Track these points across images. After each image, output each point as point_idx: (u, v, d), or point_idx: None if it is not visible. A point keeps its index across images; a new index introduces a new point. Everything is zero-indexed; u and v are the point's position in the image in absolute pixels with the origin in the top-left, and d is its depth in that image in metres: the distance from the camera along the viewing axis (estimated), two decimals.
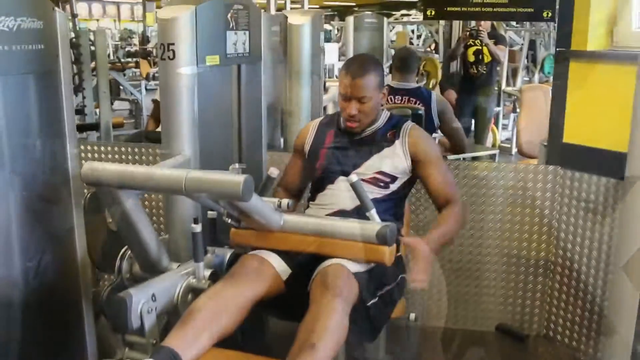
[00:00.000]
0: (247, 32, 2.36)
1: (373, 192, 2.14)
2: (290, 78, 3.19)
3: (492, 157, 5.06)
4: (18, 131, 1.91)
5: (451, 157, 3.52)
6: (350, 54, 6.49)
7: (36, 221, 1.98)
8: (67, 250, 2.16)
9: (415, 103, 3.42)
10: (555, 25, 2.90)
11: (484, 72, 5.27)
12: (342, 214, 2.06)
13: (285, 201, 1.81)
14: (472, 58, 5.29)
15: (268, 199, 1.83)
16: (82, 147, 3.28)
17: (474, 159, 3.94)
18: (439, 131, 3.61)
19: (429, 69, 5.99)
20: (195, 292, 1.77)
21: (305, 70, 3.17)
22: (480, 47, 5.21)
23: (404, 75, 3.52)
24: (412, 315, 2.35)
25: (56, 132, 2.10)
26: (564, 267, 2.76)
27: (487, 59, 5.24)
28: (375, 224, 1.78)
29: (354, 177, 1.83)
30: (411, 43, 8.04)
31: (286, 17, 3.24)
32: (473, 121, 5.40)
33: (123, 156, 3.07)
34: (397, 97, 3.45)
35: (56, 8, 2.07)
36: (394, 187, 2.17)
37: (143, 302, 1.65)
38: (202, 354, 1.60)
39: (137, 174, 1.69)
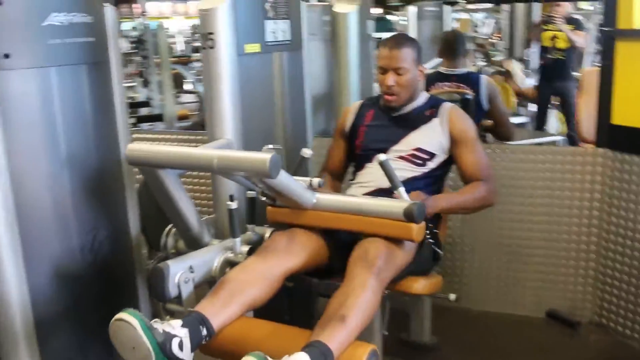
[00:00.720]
0: (287, 21, 2.44)
1: (411, 170, 2.18)
2: (337, 66, 3.24)
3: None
4: (73, 116, 2.07)
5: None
6: None
7: (90, 200, 2.13)
8: (121, 228, 2.32)
9: (464, 88, 3.39)
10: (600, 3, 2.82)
11: (562, 57, 5.17)
12: (380, 192, 2.11)
13: (316, 180, 1.88)
14: (548, 43, 5.22)
15: (300, 178, 1.90)
16: (143, 135, 3.50)
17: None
18: None
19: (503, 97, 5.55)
20: (232, 265, 1.87)
21: (352, 58, 3.20)
22: (555, 33, 5.12)
23: (451, 61, 3.50)
24: (453, 296, 2.36)
25: (108, 117, 2.26)
26: (615, 252, 2.70)
27: (564, 44, 5.13)
28: (403, 201, 1.82)
29: (382, 156, 1.87)
30: (475, 31, 7.89)
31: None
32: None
33: (177, 143, 3.24)
34: (445, 82, 3.44)
35: (105, 4, 2.22)
36: (431, 164, 2.20)
37: (180, 272, 1.76)
38: (230, 321, 1.67)
39: (173, 154, 1.80)
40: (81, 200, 2.10)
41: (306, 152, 1.98)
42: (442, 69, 3.53)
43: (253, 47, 2.28)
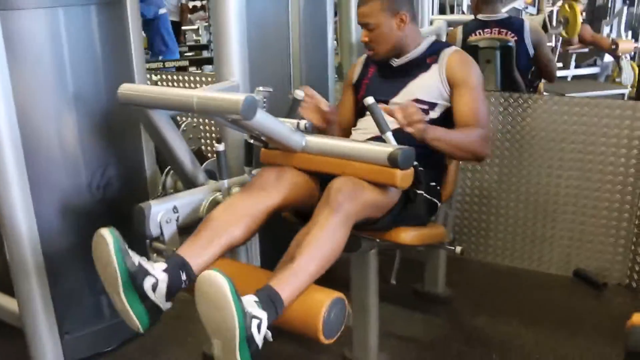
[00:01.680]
0: None
1: None
2: None
3: (621, 97, 4.65)
4: (81, 56, 2.13)
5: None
6: None
7: (99, 138, 2.21)
8: (133, 165, 2.40)
9: (505, 34, 3.22)
10: None
11: None
12: (378, 138, 2.05)
13: (303, 122, 1.85)
14: None
15: (287, 120, 1.88)
16: (171, 77, 3.59)
17: None
18: None
19: (569, 16, 5.03)
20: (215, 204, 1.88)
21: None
22: None
23: (489, 5, 3.30)
24: (459, 248, 2.30)
25: (121, 58, 2.31)
26: None
27: None
28: (389, 146, 1.77)
29: (369, 99, 1.81)
30: None
31: None
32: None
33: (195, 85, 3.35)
34: (485, 30, 3.26)
35: None
36: (433, 114, 2.12)
37: (162, 212, 1.79)
38: (211, 262, 1.65)
39: (157, 93, 1.82)
40: (89, 138, 2.18)
41: (298, 93, 1.94)
42: (480, 16, 3.34)
43: None
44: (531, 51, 3.22)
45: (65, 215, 2.19)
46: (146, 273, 1.49)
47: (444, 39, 3.37)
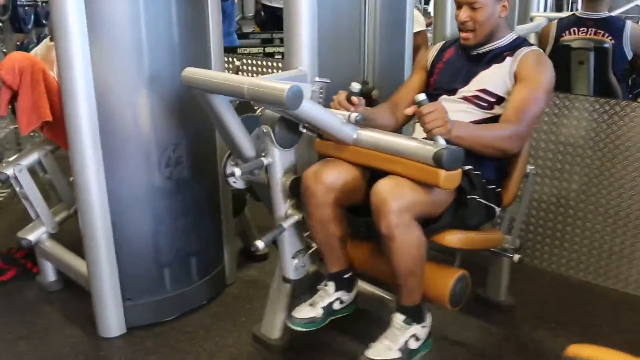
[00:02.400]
0: None
1: (472, 113, 2.06)
2: None
3: None
4: (159, 39, 2.24)
5: None
6: None
7: (171, 118, 2.32)
8: (203, 147, 2.50)
9: (603, 35, 3.02)
10: None
11: None
12: None
13: (353, 115, 1.85)
14: None
15: (339, 112, 1.89)
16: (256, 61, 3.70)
17: None
18: None
19: None
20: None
21: None
22: None
23: (591, 3, 3.09)
24: (517, 257, 2.22)
25: (199, 42, 2.41)
26: None
27: None
28: (436, 145, 1.73)
29: (420, 95, 1.77)
30: None
31: None
32: None
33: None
34: (581, 29, 3.07)
35: None
36: (499, 110, 2.04)
37: (295, 265, 2.15)
38: (346, 255, 2.05)
39: (214, 78, 1.88)
40: (161, 118, 2.30)
41: (355, 86, 1.94)
42: (579, 12, 3.15)
43: None
44: (629, 54, 3.01)
45: (136, 189, 2.32)
46: (329, 304, 2.01)
47: None
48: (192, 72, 1.94)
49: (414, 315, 1.88)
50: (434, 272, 1.92)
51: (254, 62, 3.75)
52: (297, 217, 2.06)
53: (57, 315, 2.58)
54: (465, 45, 2.14)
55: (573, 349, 0.84)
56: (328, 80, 2.03)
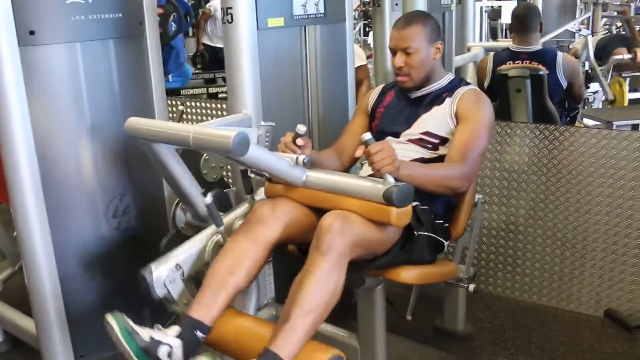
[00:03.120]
0: None
1: (420, 152, 2.09)
2: None
3: None
4: (98, 88, 2.20)
5: None
6: None
7: (115, 168, 2.27)
8: (150, 194, 2.45)
9: (538, 66, 3.14)
10: None
11: None
12: None
13: (301, 157, 1.85)
14: None
15: (286, 155, 1.88)
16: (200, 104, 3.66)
17: None
18: None
19: (616, 93, 4.62)
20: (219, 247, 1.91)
21: None
22: None
23: (522, 37, 3.22)
24: (472, 287, 2.25)
25: (140, 89, 2.38)
26: None
27: None
28: (386, 183, 1.74)
29: (366, 135, 1.79)
30: None
31: None
32: None
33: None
34: (516, 61, 3.19)
35: None
36: (443, 150, 2.08)
37: (165, 274, 1.85)
38: (222, 312, 1.74)
39: (157, 127, 1.85)
40: (105, 168, 2.25)
41: (300, 128, 1.94)
42: (512, 46, 3.27)
43: (277, 21, 2.28)
44: (564, 83, 3.13)
45: (82, 243, 2.25)
46: (159, 343, 1.61)
47: None
48: (136, 122, 1.92)
49: None
50: (305, 350, 1.61)
51: (198, 104, 3.73)
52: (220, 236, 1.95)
53: None
54: (404, 88, 2.18)
55: None
56: (273, 124, 2.03)
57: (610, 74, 4.87)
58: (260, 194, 2.06)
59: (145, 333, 1.62)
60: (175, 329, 1.68)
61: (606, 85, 4.60)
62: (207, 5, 6.81)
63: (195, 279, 1.96)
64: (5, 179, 2.10)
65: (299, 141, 1.91)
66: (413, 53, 2.08)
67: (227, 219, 2.00)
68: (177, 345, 1.63)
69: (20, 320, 2.45)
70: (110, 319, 1.64)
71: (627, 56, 4.91)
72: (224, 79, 6.11)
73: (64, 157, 2.17)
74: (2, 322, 2.56)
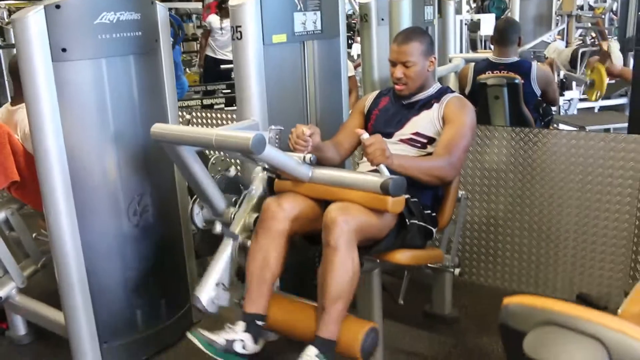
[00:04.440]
0: (317, 12, 2.67)
1: (410, 151, 2.36)
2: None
3: None
4: (121, 99, 2.45)
5: None
6: None
7: (136, 170, 2.52)
8: (166, 194, 2.70)
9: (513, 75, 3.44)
10: None
11: None
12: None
13: (308, 156, 2.12)
14: None
15: (294, 154, 2.15)
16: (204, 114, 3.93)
17: None
18: None
19: (595, 78, 5.05)
20: (243, 249, 2.23)
21: None
22: None
23: (501, 49, 3.51)
24: (457, 270, 2.51)
25: (156, 100, 2.64)
26: None
27: None
28: (382, 176, 2.01)
29: (364, 135, 2.07)
30: (581, 8, 7.58)
31: None
32: None
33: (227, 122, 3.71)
34: (494, 71, 3.48)
35: (156, 1, 2.58)
36: (431, 149, 2.36)
37: (211, 296, 2.16)
38: (269, 299, 2.11)
39: (183, 132, 2.12)
40: (127, 170, 2.50)
41: (305, 131, 2.20)
42: (492, 58, 3.57)
43: (280, 37, 2.54)
44: (537, 91, 3.44)
45: (106, 238, 2.50)
46: (233, 341, 2.00)
47: None
48: (161, 127, 2.17)
49: (327, 351, 1.93)
50: (346, 325, 1.98)
51: (202, 114, 3.99)
52: (247, 243, 2.21)
53: None
54: (400, 96, 2.47)
55: (508, 299, 1.08)
56: (282, 128, 2.29)
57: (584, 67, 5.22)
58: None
59: (220, 338, 1.99)
60: (241, 325, 2.05)
61: (581, 77, 4.93)
62: (205, 24, 7.18)
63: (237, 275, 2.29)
64: (39, 182, 2.33)
65: (308, 131, 2.17)
66: (411, 66, 2.37)
67: (237, 220, 2.27)
68: (247, 337, 2.02)
69: (47, 312, 2.67)
70: (192, 337, 2.01)
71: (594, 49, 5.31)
72: (222, 91, 6.40)
73: (90, 161, 2.41)
74: (28, 314, 2.78)
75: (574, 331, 0.95)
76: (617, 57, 5.41)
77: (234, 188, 2.47)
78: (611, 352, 0.92)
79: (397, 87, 2.44)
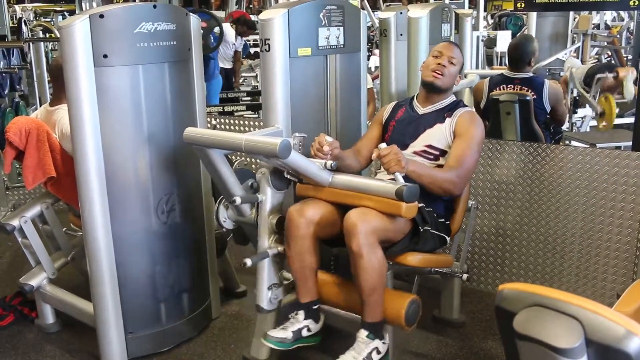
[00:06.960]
0: (340, 28, 2.83)
1: (423, 162, 2.51)
2: (409, 66, 3.55)
3: None
4: (155, 103, 2.62)
5: None
6: None
7: (166, 170, 2.68)
8: (193, 194, 2.87)
9: (526, 91, 3.58)
10: None
11: None
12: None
13: (329, 162, 2.28)
14: None
15: (316, 160, 2.31)
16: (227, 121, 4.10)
17: None
18: None
19: (606, 109, 5.09)
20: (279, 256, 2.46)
21: (421, 59, 3.49)
22: None
23: (516, 65, 3.67)
24: (465, 276, 2.65)
25: (187, 105, 2.80)
26: None
27: None
28: (397, 183, 2.16)
29: (382, 145, 2.23)
30: (597, 27, 7.66)
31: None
32: None
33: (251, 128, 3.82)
34: (508, 86, 3.64)
35: (190, 13, 2.75)
36: (443, 161, 2.50)
37: (270, 296, 2.47)
38: (317, 285, 2.39)
39: (215, 136, 2.28)
40: (157, 171, 2.66)
41: (327, 139, 2.36)
42: (507, 72, 3.72)
43: (305, 51, 2.70)
44: (547, 107, 3.58)
45: (136, 234, 2.66)
46: (299, 330, 2.31)
47: None
48: (193, 131, 2.34)
49: (375, 331, 2.23)
50: (390, 297, 2.29)
51: (226, 120, 4.16)
52: (278, 248, 2.43)
53: (59, 352, 2.84)
54: (431, 85, 2.60)
55: (502, 286, 1.26)
56: (305, 135, 2.44)
57: (598, 92, 5.31)
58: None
59: (287, 333, 2.27)
60: (301, 314, 2.34)
61: (594, 102, 5.04)
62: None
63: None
64: (76, 179, 2.50)
65: (327, 148, 2.34)
66: (453, 64, 2.58)
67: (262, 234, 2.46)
68: (309, 322, 2.34)
69: (77, 302, 2.84)
70: (267, 343, 2.30)
71: (610, 75, 5.37)
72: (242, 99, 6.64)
73: (125, 161, 2.58)
74: (58, 304, 2.94)
75: (556, 311, 1.15)
76: (629, 91, 5.39)
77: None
78: (586, 328, 1.11)
79: (434, 74, 2.58)
